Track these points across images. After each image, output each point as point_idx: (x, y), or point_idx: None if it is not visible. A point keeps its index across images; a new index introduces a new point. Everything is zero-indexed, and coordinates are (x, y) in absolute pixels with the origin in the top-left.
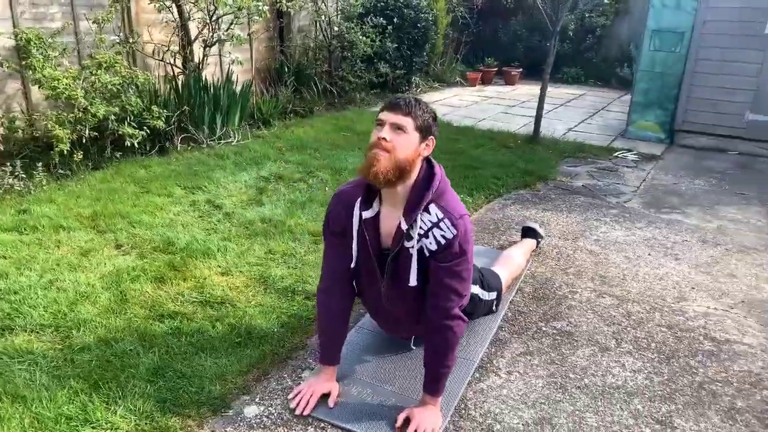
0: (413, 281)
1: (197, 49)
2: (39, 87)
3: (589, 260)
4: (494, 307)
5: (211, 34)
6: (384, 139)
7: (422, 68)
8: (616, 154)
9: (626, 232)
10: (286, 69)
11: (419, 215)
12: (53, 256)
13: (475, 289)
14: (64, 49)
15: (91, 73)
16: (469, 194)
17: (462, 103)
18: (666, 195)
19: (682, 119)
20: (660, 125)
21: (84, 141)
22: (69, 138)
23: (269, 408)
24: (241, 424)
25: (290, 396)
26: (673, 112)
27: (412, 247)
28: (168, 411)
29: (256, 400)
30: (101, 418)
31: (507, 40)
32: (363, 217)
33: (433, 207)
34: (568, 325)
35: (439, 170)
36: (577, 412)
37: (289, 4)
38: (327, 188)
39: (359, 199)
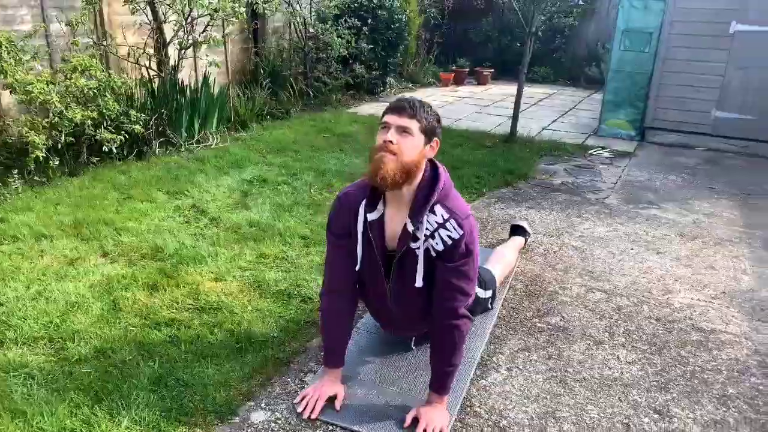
0: (419, 282)
1: (172, 52)
2: (11, 92)
3: (576, 256)
4: (490, 305)
5: (186, 36)
6: (390, 141)
7: (396, 69)
8: (591, 151)
9: (608, 227)
10: (262, 71)
11: (425, 216)
12: (38, 266)
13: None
14: (36, 53)
15: (66, 76)
16: None
17: (437, 104)
18: (642, 191)
19: (652, 117)
20: (631, 123)
21: (60, 147)
22: (44, 144)
23: (275, 413)
24: (249, 430)
25: (296, 400)
26: (644, 110)
27: (418, 248)
28: (174, 420)
29: (262, 405)
30: (106, 431)
31: (478, 41)
32: (368, 219)
33: (438, 208)
34: (561, 320)
35: (443, 171)
36: (578, 405)
37: (266, 5)
38: (312, 190)
39: (363, 202)
